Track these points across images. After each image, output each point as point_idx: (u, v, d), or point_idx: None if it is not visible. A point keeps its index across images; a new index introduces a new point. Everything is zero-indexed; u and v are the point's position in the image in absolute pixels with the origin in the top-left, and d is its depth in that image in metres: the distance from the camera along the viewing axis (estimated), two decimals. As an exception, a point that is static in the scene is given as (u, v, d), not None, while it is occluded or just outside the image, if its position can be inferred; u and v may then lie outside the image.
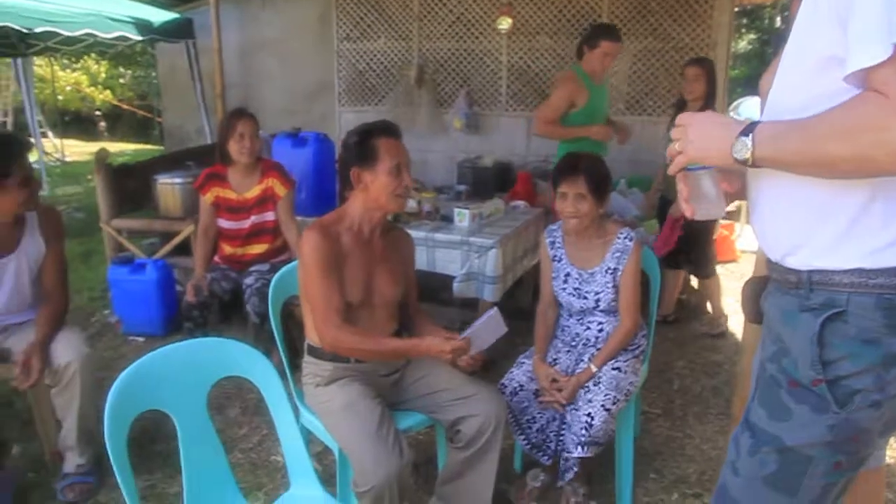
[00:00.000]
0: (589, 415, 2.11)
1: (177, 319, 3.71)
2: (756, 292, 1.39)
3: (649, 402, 3.09)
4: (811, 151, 0.98)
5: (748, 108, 5.86)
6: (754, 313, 1.41)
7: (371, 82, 6.24)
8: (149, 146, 12.96)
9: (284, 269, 2.36)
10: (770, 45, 14.38)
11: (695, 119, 1.16)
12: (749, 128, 1.06)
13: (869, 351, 1.07)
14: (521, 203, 4.05)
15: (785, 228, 1.16)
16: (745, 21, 14.09)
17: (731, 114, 5.83)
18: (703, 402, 3.16)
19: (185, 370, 1.59)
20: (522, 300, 4.02)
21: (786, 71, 1.13)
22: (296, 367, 2.26)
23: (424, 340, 1.98)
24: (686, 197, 1.23)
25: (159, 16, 6.01)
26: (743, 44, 15.10)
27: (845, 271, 1.08)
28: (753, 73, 13.37)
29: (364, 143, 2.02)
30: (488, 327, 1.99)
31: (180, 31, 6.12)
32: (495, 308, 1.99)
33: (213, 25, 5.75)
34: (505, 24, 5.57)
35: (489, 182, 4.69)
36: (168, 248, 4.01)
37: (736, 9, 6.06)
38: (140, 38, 5.84)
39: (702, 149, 1.14)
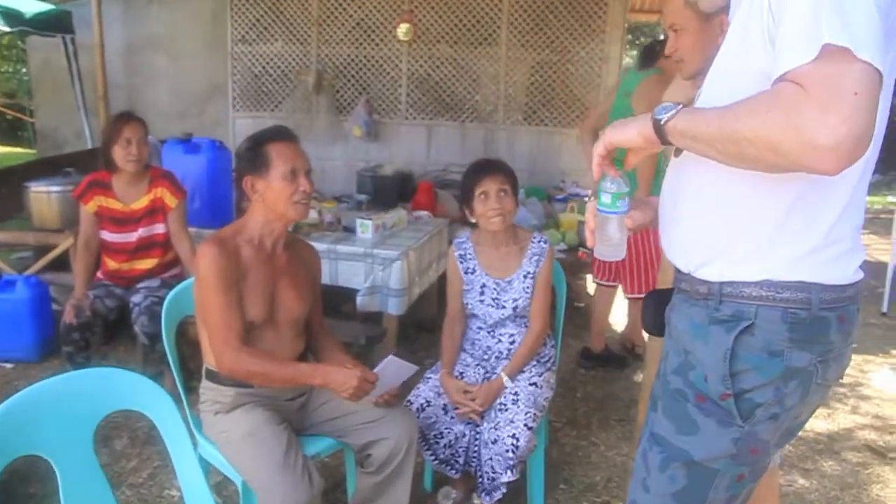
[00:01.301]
0: (513, 436, 2.09)
1: (53, 342, 3.40)
2: (658, 304, 1.41)
3: (555, 412, 3.12)
4: (721, 127, 0.98)
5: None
6: (655, 325, 1.43)
7: (267, 87, 6.03)
8: (19, 149, 11.94)
9: (180, 286, 2.19)
10: (653, 60, 15.13)
11: (616, 121, 1.18)
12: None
13: (772, 363, 1.10)
14: (424, 213, 4.02)
15: (702, 240, 1.18)
16: (629, 37, 14.80)
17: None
18: (605, 409, 3.24)
19: (67, 408, 1.41)
20: (426, 312, 3.98)
21: (714, 87, 1.14)
22: (189, 389, 2.11)
23: (330, 369, 1.88)
24: (592, 228, 1.27)
25: (32, 6, 5.50)
26: (627, 60, 15.86)
27: (754, 283, 1.10)
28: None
29: (255, 150, 1.92)
30: (390, 372, 1.92)
31: (57, 25, 5.62)
32: (390, 356, 1.92)
33: (95, 19, 5.35)
34: (405, 31, 5.53)
35: (390, 191, 4.62)
36: (42, 262, 3.66)
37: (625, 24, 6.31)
38: (8, 29, 5.33)
39: (620, 131, 1.14)
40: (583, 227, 4.40)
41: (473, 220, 2.38)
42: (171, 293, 2.17)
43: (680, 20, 1.72)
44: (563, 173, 5.65)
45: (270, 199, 1.91)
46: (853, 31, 0.88)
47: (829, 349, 1.12)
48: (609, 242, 1.25)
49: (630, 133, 1.12)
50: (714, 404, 1.15)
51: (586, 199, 5.13)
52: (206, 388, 1.97)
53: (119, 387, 1.51)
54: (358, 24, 5.78)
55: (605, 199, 1.21)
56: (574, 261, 4.27)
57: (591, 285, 4.69)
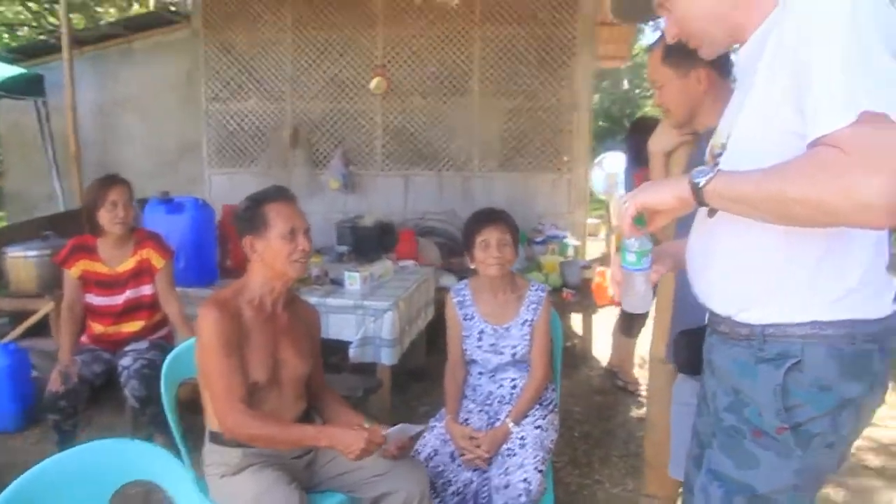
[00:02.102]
0: (525, 480, 2.07)
1: (33, 412, 3.30)
2: (691, 344, 1.44)
3: (556, 452, 3.08)
4: (765, 190, 1.02)
5: (611, 162, 6.25)
6: (690, 365, 1.46)
7: (242, 143, 6.04)
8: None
9: (179, 348, 2.16)
10: (616, 104, 15.62)
11: (646, 183, 1.20)
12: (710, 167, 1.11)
13: (824, 397, 1.14)
14: (410, 262, 4.04)
15: (739, 287, 1.21)
16: (593, 82, 15.28)
17: (596, 168, 6.21)
18: (605, 446, 3.24)
19: (80, 483, 1.38)
20: (416, 361, 3.96)
21: (742, 146, 1.18)
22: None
23: (336, 431, 1.86)
24: (618, 282, 1.30)
25: (3, 71, 5.50)
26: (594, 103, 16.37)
27: (800, 324, 1.14)
28: (601, 128, 14.50)
29: (254, 210, 1.94)
30: (399, 434, 1.93)
31: (28, 88, 5.61)
32: (401, 424, 1.93)
33: (67, 82, 5.35)
34: (377, 84, 5.63)
35: (372, 242, 4.63)
36: (21, 329, 3.57)
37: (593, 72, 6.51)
38: (-22, 93, 5.31)
39: (652, 193, 1.16)
40: (565, 268, 4.49)
41: (473, 266, 2.40)
42: (171, 356, 2.14)
43: (658, 77, 1.81)
44: (541, 216, 5.72)
45: (269, 258, 1.92)
46: (888, 95, 0.94)
47: (875, 379, 1.16)
48: (636, 296, 1.29)
49: (664, 196, 1.15)
50: (771, 438, 1.18)
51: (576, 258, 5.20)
52: (211, 450, 1.93)
53: (131, 458, 1.49)
54: (332, 79, 5.86)
55: (630, 258, 1.25)
56: (559, 301, 4.30)
57: (577, 324, 4.73)
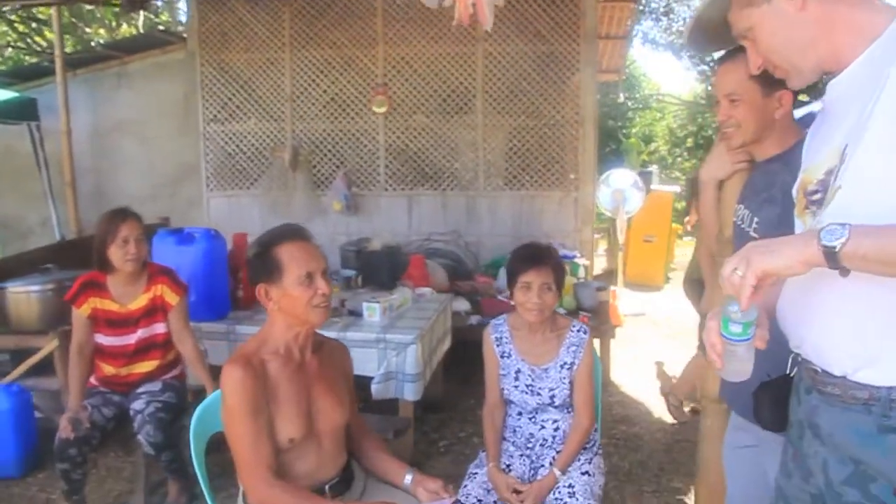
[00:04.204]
0: None
1: (36, 455, 3.15)
2: (776, 398, 1.33)
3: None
4: None
5: (617, 179, 6.20)
6: (776, 421, 1.35)
7: (241, 165, 5.91)
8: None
9: (207, 401, 2.02)
10: (611, 117, 15.56)
11: (754, 243, 1.07)
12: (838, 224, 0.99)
13: None
14: (427, 290, 3.92)
15: (860, 339, 1.08)
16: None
17: (602, 186, 6.15)
18: (636, 481, 3.13)
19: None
20: (432, 392, 3.83)
21: (870, 181, 1.06)
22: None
23: None
24: (719, 353, 1.16)
25: (-5, 94, 5.35)
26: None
27: None
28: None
29: (265, 255, 1.79)
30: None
31: (21, 112, 5.45)
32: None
33: (62, 106, 5.24)
34: (380, 106, 5.54)
35: (381, 267, 4.51)
36: (23, 368, 3.40)
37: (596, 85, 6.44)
38: (-30, 119, 5.16)
39: (773, 257, 1.02)
40: (579, 290, 4.37)
41: (512, 303, 2.30)
42: (200, 408, 1.99)
43: (741, 91, 1.68)
44: (548, 235, 5.62)
45: (288, 306, 1.78)
46: None
47: None
48: (741, 363, 1.15)
49: (789, 261, 1.02)
50: None
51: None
52: (248, 513, 1.80)
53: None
54: (332, 98, 5.76)
55: (735, 328, 1.10)
56: (575, 326, 4.20)
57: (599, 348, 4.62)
